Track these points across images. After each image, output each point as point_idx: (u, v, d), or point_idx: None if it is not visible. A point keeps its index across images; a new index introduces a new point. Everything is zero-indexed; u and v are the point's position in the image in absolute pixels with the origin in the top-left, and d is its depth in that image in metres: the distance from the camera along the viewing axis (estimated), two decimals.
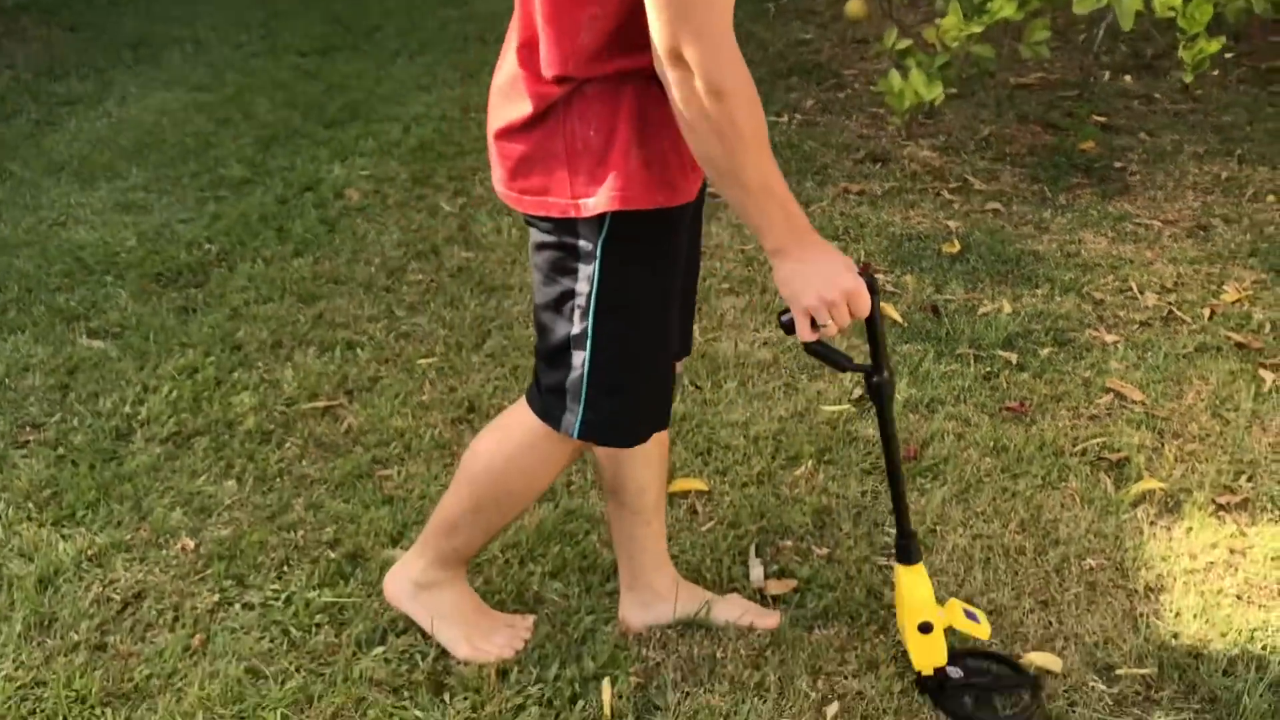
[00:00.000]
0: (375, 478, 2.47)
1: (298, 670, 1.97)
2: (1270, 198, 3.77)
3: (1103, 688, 1.93)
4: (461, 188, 3.95)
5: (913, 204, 3.80)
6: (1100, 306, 3.13)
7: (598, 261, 1.62)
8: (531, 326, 3.01)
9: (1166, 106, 4.60)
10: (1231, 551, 2.24)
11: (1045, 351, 2.91)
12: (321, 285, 3.30)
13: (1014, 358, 2.88)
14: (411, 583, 2.00)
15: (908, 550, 1.88)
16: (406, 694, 1.92)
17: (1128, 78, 4.93)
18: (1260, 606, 2.11)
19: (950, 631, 1.91)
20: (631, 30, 1.50)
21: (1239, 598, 2.13)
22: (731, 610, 2.08)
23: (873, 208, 3.77)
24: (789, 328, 1.63)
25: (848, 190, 3.91)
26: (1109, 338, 2.97)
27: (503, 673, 1.96)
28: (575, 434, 1.74)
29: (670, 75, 1.45)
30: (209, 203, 3.86)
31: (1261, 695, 1.89)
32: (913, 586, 1.87)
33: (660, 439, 1.98)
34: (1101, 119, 4.44)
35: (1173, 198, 3.79)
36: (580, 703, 1.91)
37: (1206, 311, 3.09)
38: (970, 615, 1.90)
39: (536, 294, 1.73)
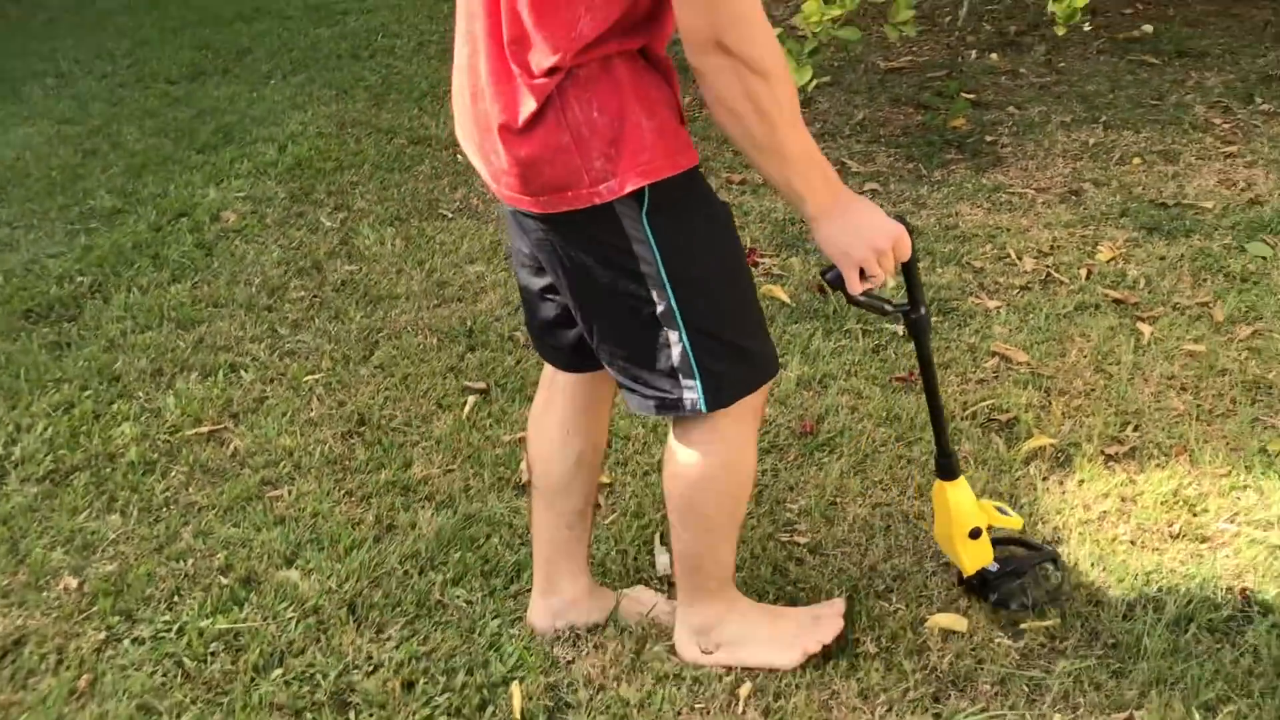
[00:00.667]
0: (265, 499, 2.40)
1: (193, 702, 1.90)
2: (1136, 160, 3.88)
3: (1008, 643, 1.95)
4: (342, 202, 3.87)
5: None
6: (980, 274, 3.18)
7: (650, 236, 1.56)
8: (422, 337, 2.97)
9: (1032, 80, 4.72)
10: (1123, 499, 2.29)
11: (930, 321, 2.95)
12: (201, 309, 3.20)
13: (901, 329, 2.91)
14: (694, 633, 1.91)
15: (950, 467, 1.96)
16: (309, 715, 1.87)
17: (993, 55, 5.04)
18: (1153, 550, 2.15)
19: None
20: (633, 12, 1.46)
21: (1133, 543, 2.17)
22: (641, 605, 2.06)
23: (755, 195, 3.79)
24: (836, 283, 1.64)
25: (730, 180, 3.93)
26: (991, 303, 3.03)
27: (408, 684, 1.91)
28: (704, 407, 1.66)
29: (708, 63, 1.41)
30: (79, 235, 3.72)
31: (1160, 635, 1.93)
32: (959, 499, 1.95)
33: (597, 444, 1.94)
34: (971, 96, 4.53)
35: (1044, 166, 3.88)
36: (490, 708, 1.87)
37: (1083, 272, 3.16)
38: (1002, 511, 2.00)
39: (594, 297, 1.63)
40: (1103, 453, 2.42)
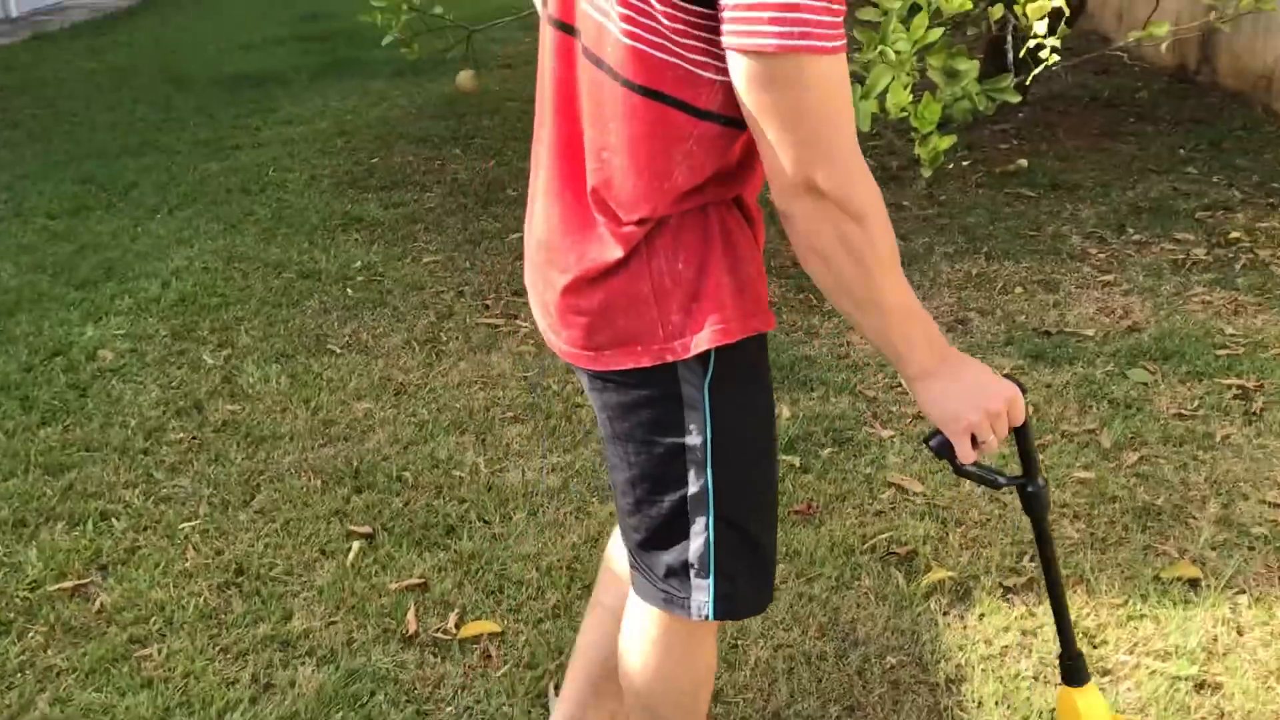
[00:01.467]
0: (132, 659, 2.25)
1: None
2: (1018, 289, 3.99)
3: None
4: (226, 338, 3.76)
5: None
6: (874, 404, 3.20)
7: (707, 405, 1.45)
8: (306, 479, 2.86)
9: (915, 212, 4.86)
10: (1024, 633, 2.27)
11: (826, 452, 2.94)
12: (72, 454, 3.05)
13: (797, 460, 2.90)
14: None
15: (1076, 671, 1.73)
16: None
17: None
18: (1056, 685, 2.12)
19: None
20: (728, 160, 1.38)
21: (1035, 678, 2.14)
22: None
23: None
24: (942, 451, 1.46)
25: None
26: (885, 433, 3.03)
27: None
28: (712, 615, 1.53)
29: (798, 207, 1.30)
30: None
31: None
32: (1090, 712, 1.70)
33: None
34: None
35: (930, 295, 3.96)
36: None
37: None
38: None
39: (624, 468, 1.51)
40: (1001, 584, 2.41)
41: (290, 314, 3.97)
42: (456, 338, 3.74)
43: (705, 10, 1.28)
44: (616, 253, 1.40)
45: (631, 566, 1.60)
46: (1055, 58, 3.34)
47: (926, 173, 3.51)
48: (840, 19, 1.24)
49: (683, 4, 1.28)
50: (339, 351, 3.66)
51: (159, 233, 4.93)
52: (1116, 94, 6.58)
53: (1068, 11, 3.64)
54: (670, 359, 1.43)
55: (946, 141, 3.41)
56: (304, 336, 3.77)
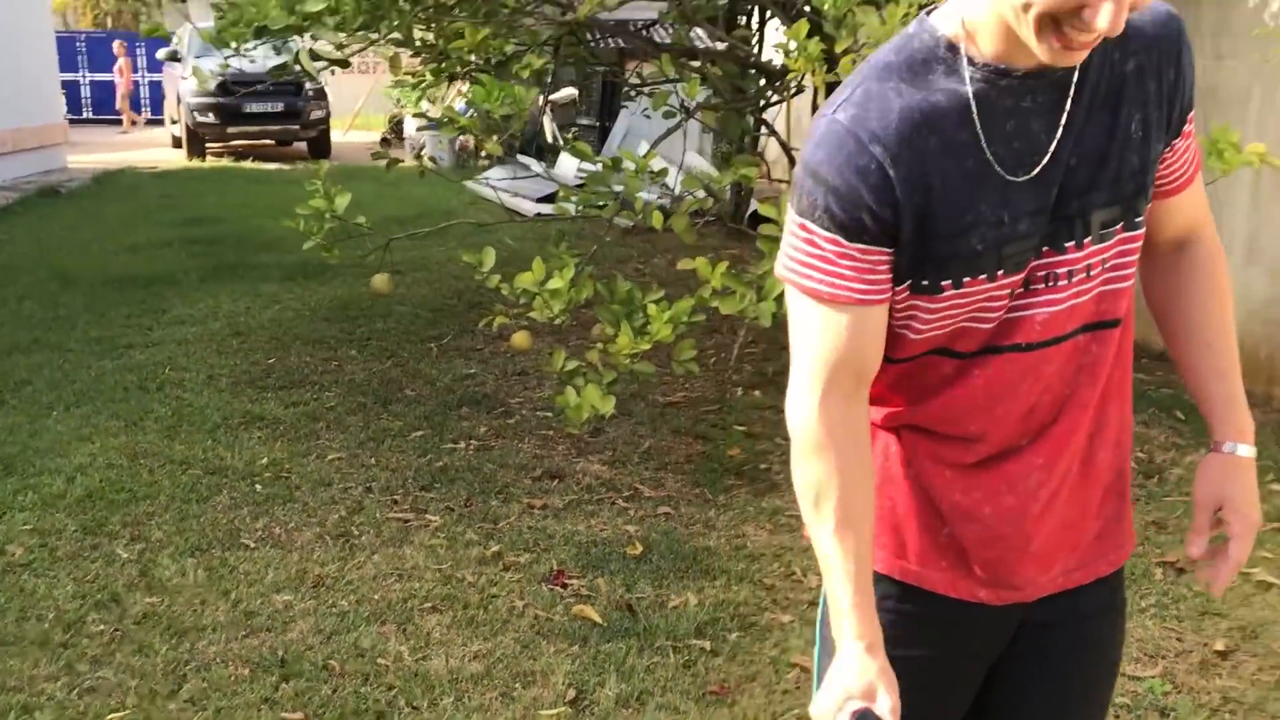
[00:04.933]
0: None
1: None
2: None
3: None
4: (139, 533, 3.82)
5: (592, 513, 4.07)
6: (772, 591, 3.44)
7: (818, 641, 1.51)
8: (233, 669, 2.92)
9: None
10: None
11: (733, 636, 3.16)
12: None
13: (707, 645, 3.10)
14: None
15: None
16: None
17: (757, 392, 5.58)
18: None
19: None
20: (878, 385, 1.42)
21: None
22: None
23: (557, 520, 4.00)
24: None
25: (530, 506, 4.13)
26: (784, 618, 3.27)
27: None
28: None
29: None
30: None
31: None
32: None
33: None
34: (742, 428, 4.98)
35: None
36: None
37: None
38: None
39: None
40: None
41: (201, 509, 4.04)
42: (368, 531, 3.88)
43: None
44: None
45: None
46: None
47: None
48: (815, 261, 1.32)
49: None
50: (253, 545, 3.75)
51: (57, 429, 4.96)
52: None
53: None
54: None
55: None
56: (217, 530, 3.85)
